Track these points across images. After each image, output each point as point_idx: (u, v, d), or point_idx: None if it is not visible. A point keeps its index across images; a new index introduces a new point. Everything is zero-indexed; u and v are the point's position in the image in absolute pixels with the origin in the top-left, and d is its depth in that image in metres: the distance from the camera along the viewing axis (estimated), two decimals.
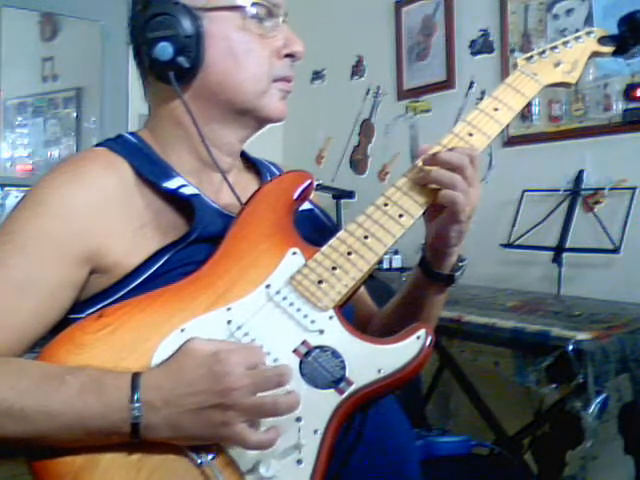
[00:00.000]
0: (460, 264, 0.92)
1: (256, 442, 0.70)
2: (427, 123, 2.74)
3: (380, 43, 2.92)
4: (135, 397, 0.69)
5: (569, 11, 2.22)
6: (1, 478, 1.96)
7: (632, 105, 2.04)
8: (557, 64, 0.96)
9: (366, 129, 3.02)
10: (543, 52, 0.97)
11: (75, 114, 3.22)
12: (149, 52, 0.87)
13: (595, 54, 1.00)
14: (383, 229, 0.83)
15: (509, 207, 2.24)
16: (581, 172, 2.14)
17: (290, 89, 0.93)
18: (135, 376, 0.71)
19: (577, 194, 2.13)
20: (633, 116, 2.03)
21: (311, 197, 1.00)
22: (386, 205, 0.85)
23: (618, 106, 2.08)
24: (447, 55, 2.64)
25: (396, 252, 2.55)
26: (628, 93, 2.04)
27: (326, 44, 3.12)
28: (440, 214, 0.86)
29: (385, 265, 2.54)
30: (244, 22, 0.87)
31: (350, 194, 2.73)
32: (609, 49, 0.99)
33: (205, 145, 0.89)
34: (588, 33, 0.99)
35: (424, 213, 0.86)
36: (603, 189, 2.07)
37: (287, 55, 0.91)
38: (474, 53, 2.56)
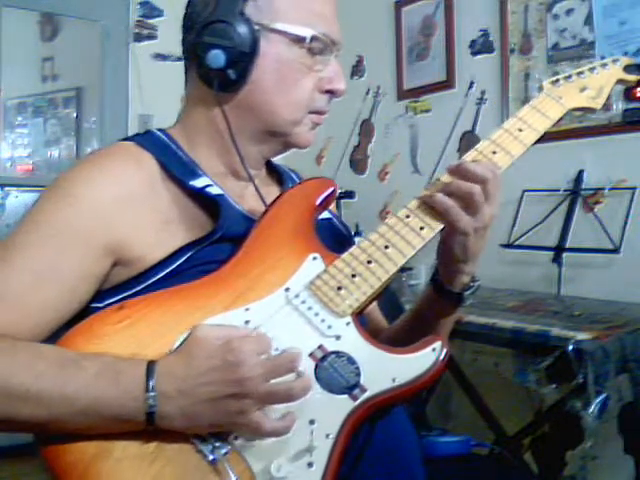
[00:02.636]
0: (472, 284, 0.91)
1: (271, 429, 0.72)
2: (427, 123, 2.74)
3: (380, 43, 2.93)
4: (150, 386, 0.70)
5: (569, 11, 2.22)
6: (2, 478, 1.96)
7: (632, 105, 2.04)
8: (583, 89, 0.98)
9: (366, 129, 3.02)
10: (569, 77, 0.99)
11: (75, 114, 3.23)
12: (201, 54, 0.87)
13: (620, 81, 1.02)
14: (404, 240, 0.84)
15: (509, 207, 2.24)
16: (581, 172, 2.14)
17: (321, 122, 0.95)
18: (150, 365, 0.72)
19: (577, 194, 2.13)
20: (633, 116, 2.03)
21: (334, 209, 1.01)
22: (408, 217, 0.85)
23: (618, 106, 2.08)
24: (447, 55, 2.64)
25: None
26: (628, 93, 2.04)
27: None
28: (455, 231, 0.86)
29: None
30: (299, 51, 0.88)
31: (350, 194, 2.73)
32: (634, 78, 1.02)
33: (238, 153, 0.91)
34: (614, 61, 1.02)
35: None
36: (603, 189, 2.07)
37: (328, 91, 0.92)
38: (474, 53, 2.56)
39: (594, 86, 0.99)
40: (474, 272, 0.90)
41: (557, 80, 0.98)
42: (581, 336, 1.48)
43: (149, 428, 0.71)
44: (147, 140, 0.91)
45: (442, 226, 0.85)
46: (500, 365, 1.97)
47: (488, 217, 0.84)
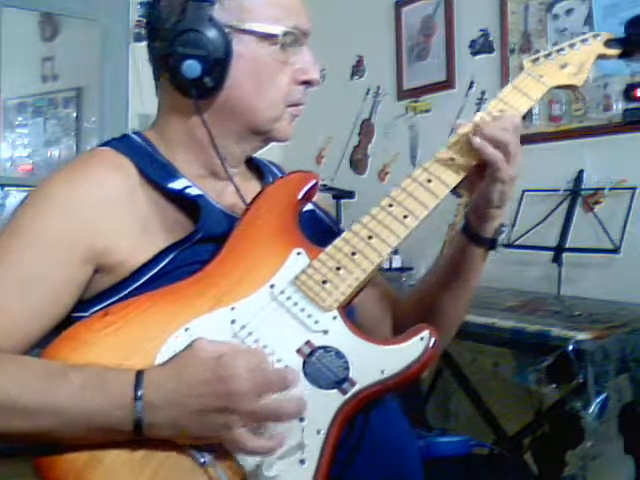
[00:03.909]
0: (502, 229, 0.94)
1: (256, 447, 0.71)
2: (427, 123, 2.74)
3: (380, 43, 2.92)
4: (138, 396, 0.70)
5: (569, 11, 2.22)
6: (1, 478, 1.96)
7: (632, 105, 2.04)
8: (563, 66, 0.96)
9: (366, 129, 3.02)
10: (549, 54, 0.97)
11: (75, 114, 3.23)
12: (175, 65, 0.86)
13: (601, 57, 1.00)
14: (388, 230, 0.83)
15: (509, 207, 2.24)
16: (581, 172, 2.14)
17: (300, 113, 0.95)
18: (139, 374, 0.71)
19: (577, 194, 2.12)
20: (633, 116, 2.03)
21: (317, 200, 1.01)
22: (391, 206, 0.85)
23: (618, 106, 2.07)
24: (447, 55, 2.64)
25: (396, 252, 2.55)
26: (628, 93, 2.04)
27: (326, 44, 3.11)
28: (479, 182, 0.88)
29: (385, 265, 2.54)
30: (272, 48, 0.88)
31: (350, 194, 2.73)
32: (615, 52, 1.00)
33: (219, 156, 0.90)
34: (595, 36, 1.00)
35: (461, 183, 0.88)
36: (603, 189, 2.07)
37: (304, 82, 0.92)
38: (474, 53, 2.56)
39: (575, 62, 0.97)
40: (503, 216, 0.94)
41: (537, 59, 0.97)
42: (581, 336, 1.48)
43: (137, 438, 0.71)
44: (124, 144, 0.91)
45: (425, 214, 0.85)
46: (500, 365, 1.97)
47: (519, 160, 0.86)
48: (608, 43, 0.99)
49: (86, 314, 0.82)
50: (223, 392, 0.69)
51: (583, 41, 0.99)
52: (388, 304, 1.05)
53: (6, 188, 2.93)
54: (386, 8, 2.90)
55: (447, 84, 2.64)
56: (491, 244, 0.94)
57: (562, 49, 0.98)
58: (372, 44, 2.96)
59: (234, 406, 0.69)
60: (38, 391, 0.71)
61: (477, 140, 0.85)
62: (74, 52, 3.18)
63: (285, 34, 0.88)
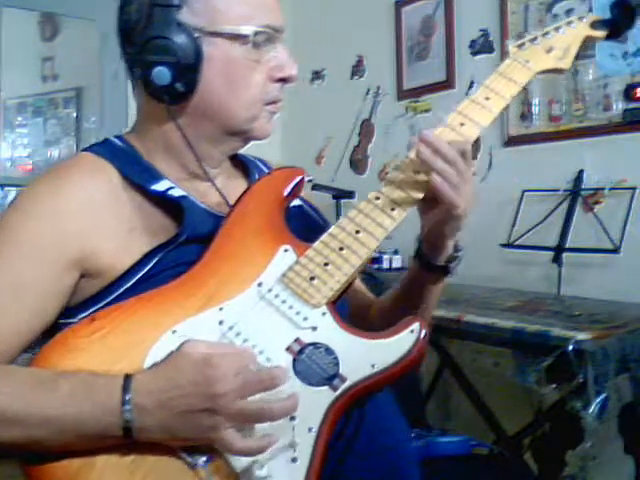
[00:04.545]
0: (456, 255, 0.92)
1: (244, 448, 0.70)
2: (427, 123, 2.74)
3: (380, 43, 2.92)
4: (126, 400, 0.69)
5: (569, 11, 2.22)
6: (1, 478, 1.96)
7: (632, 105, 2.04)
8: (549, 50, 0.95)
9: (366, 129, 3.02)
10: (535, 38, 0.96)
11: (75, 114, 3.22)
12: (145, 72, 0.85)
13: (588, 39, 0.98)
14: (375, 223, 0.82)
15: (509, 207, 2.24)
16: (581, 172, 2.14)
17: (278, 110, 0.93)
18: (127, 378, 0.71)
19: (577, 194, 2.12)
20: (633, 116, 2.03)
21: (305, 196, 0.99)
22: (378, 199, 0.84)
23: (618, 106, 2.07)
24: (447, 55, 2.64)
25: (396, 252, 2.55)
26: (628, 93, 2.04)
27: (326, 44, 3.12)
28: (434, 208, 0.86)
29: (385, 265, 2.54)
30: (243, 49, 0.86)
31: (350, 194, 2.73)
32: (602, 33, 0.98)
33: (197, 159, 0.89)
34: (580, 18, 0.98)
35: (418, 204, 0.86)
36: (603, 189, 2.07)
37: (280, 79, 0.90)
38: (474, 53, 2.56)
39: (561, 46, 0.95)
40: (456, 242, 0.91)
41: (523, 44, 0.95)
42: (581, 336, 1.48)
43: (128, 442, 0.71)
44: (105, 149, 0.90)
45: (414, 206, 0.84)
46: (500, 365, 1.97)
47: (468, 193, 0.83)
48: (594, 25, 0.98)
49: (75, 320, 0.81)
50: (209, 393, 0.69)
51: (569, 24, 0.97)
52: (362, 307, 1.05)
53: (6, 188, 2.93)
54: (386, 8, 2.90)
55: (447, 84, 2.64)
56: (444, 271, 0.92)
57: (548, 33, 0.96)
58: (372, 44, 2.96)
59: (219, 407, 0.69)
60: (28, 400, 0.71)
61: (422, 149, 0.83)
62: (74, 52, 3.17)
63: (256, 34, 0.86)
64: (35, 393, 0.72)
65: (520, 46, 0.95)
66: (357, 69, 3.06)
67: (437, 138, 0.84)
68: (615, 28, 0.97)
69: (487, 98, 0.89)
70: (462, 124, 0.88)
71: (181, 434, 0.70)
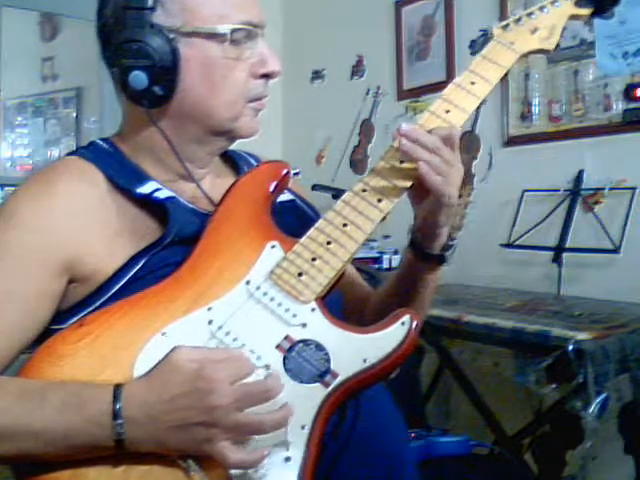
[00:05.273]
0: (451, 243, 0.90)
1: (238, 461, 0.69)
2: None
3: (380, 43, 2.92)
4: (117, 413, 0.69)
5: None
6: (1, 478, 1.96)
7: (632, 105, 2.03)
8: (534, 31, 0.93)
9: (366, 129, 3.02)
10: (519, 19, 0.94)
11: (75, 114, 3.23)
12: (122, 76, 0.84)
13: (573, 17, 0.96)
14: (362, 216, 0.81)
15: (509, 207, 2.24)
16: (581, 172, 2.14)
17: (264, 106, 0.91)
18: (116, 390, 0.70)
19: (577, 194, 2.12)
20: (633, 116, 2.03)
21: (297, 190, 0.98)
22: (364, 191, 0.82)
23: (618, 106, 2.07)
24: (447, 55, 2.64)
25: (396, 252, 2.55)
26: (628, 93, 2.04)
27: (326, 44, 3.12)
28: (426, 197, 0.84)
29: (385, 265, 2.54)
30: (222, 47, 0.85)
31: None
32: (587, 11, 0.95)
33: (181, 161, 0.89)
34: None
35: (408, 195, 0.84)
36: (603, 189, 2.06)
37: (263, 75, 0.89)
38: (474, 53, 2.56)
39: (546, 25, 0.93)
40: (449, 232, 0.90)
41: (507, 25, 0.93)
42: (581, 336, 1.48)
43: (120, 451, 0.70)
44: (91, 152, 0.90)
45: (401, 196, 0.83)
46: (500, 365, 1.96)
47: (457, 178, 0.82)
48: (579, 3, 0.95)
49: (64, 326, 0.80)
50: (204, 406, 0.68)
51: (553, 3, 0.95)
52: (360, 300, 1.03)
53: (6, 188, 2.93)
54: (386, 8, 2.90)
55: (447, 84, 2.63)
56: (439, 260, 0.91)
57: (532, 13, 0.94)
58: (372, 44, 2.96)
59: (213, 420, 0.68)
60: (16, 414, 0.71)
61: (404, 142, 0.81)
62: (74, 52, 3.18)
63: (234, 31, 0.84)
64: (25, 407, 0.71)
65: (504, 27, 0.94)
66: (357, 69, 3.06)
67: (415, 129, 0.83)
68: (599, 4, 0.95)
69: (472, 83, 0.89)
70: (448, 111, 0.87)
71: (174, 446, 0.70)
